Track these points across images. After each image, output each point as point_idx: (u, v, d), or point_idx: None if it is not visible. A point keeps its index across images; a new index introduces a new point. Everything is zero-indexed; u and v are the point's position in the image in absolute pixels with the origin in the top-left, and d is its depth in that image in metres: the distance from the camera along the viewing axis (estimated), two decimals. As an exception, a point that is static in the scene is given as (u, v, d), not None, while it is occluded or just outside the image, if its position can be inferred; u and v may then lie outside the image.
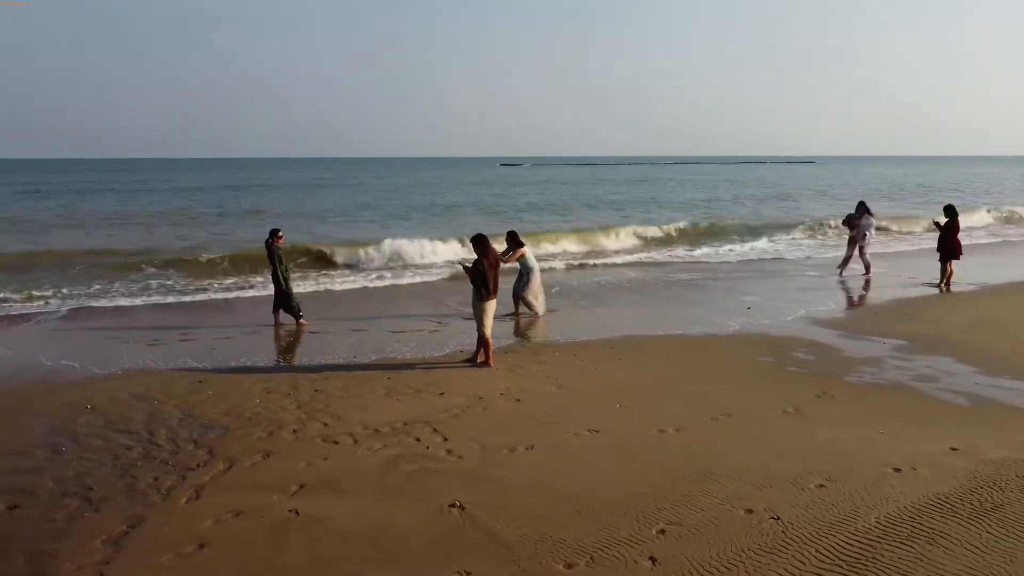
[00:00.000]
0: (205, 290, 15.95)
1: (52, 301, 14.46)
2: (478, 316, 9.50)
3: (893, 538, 5.10)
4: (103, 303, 14.43)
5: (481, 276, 9.30)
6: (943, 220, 15.88)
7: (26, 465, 6.55)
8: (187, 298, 15.15)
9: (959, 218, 15.82)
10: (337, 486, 6.05)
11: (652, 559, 4.89)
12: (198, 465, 6.48)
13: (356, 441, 7.01)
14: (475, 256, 9.47)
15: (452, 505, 5.69)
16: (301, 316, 12.28)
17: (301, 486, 6.04)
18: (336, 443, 6.96)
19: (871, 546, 5.00)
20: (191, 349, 10.68)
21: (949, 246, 15.46)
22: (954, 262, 15.47)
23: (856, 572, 4.70)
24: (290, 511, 5.61)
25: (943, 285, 15.37)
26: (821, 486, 5.91)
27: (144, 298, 15.02)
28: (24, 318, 13.20)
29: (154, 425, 7.47)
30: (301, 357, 10.34)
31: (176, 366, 9.71)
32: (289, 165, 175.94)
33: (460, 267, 9.93)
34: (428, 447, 6.85)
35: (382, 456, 6.65)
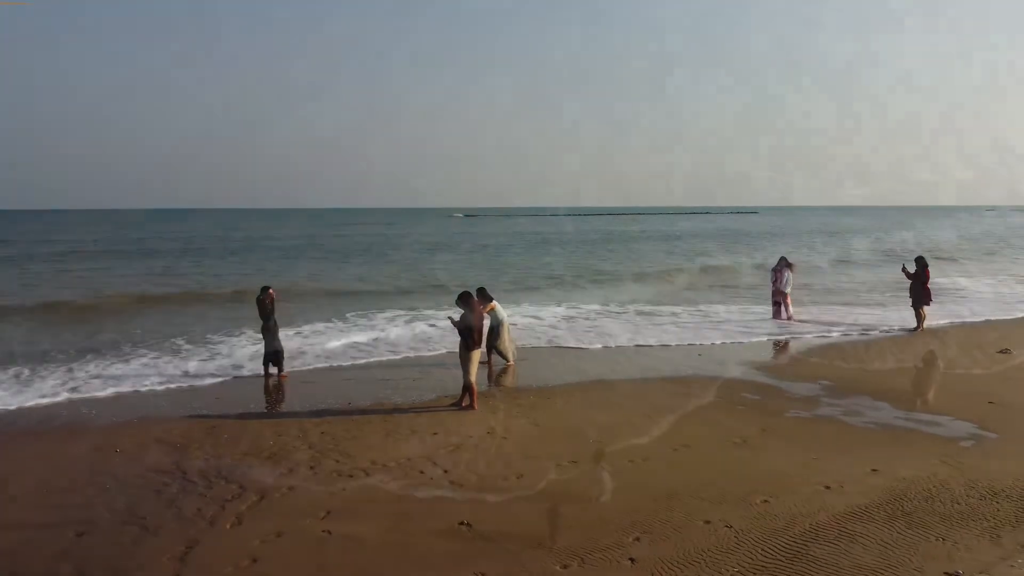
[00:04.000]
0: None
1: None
2: (464, 364, 10.60)
3: (823, 539, 6.35)
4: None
5: (468, 329, 10.46)
6: (912, 268, 17.82)
7: (78, 500, 7.39)
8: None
9: (929, 268, 17.82)
10: (359, 511, 7.05)
11: (631, 559, 6.04)
12: (232, 497, 7.40)
13: (368, 475, 8.01)
14: (462, 311, 10.65)
15: (461, 523, 6.74)
16: (283, 370, 13.14)
17: (328, 512, 7.02)
18: (351, 477, 7.95)
19: (806, 545, 6.24)
20: (195, 399, 11.52)
21: (919, 293, 17.47)
22: (925, 307, 17.46)
23: (794, 565, 5.92)
24: (324, 531, 6.59)
25: (920, 328, 17.32)
26: (765, 501, 7.15)
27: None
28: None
29: (184, 465, 8.35)
30: (301, 404, 11.23)
31: (186, 414, 10.55)
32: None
33: (450, 321, 11.09)
34: (432, 478, 7.90)
35: (393, 486, 7.67)
